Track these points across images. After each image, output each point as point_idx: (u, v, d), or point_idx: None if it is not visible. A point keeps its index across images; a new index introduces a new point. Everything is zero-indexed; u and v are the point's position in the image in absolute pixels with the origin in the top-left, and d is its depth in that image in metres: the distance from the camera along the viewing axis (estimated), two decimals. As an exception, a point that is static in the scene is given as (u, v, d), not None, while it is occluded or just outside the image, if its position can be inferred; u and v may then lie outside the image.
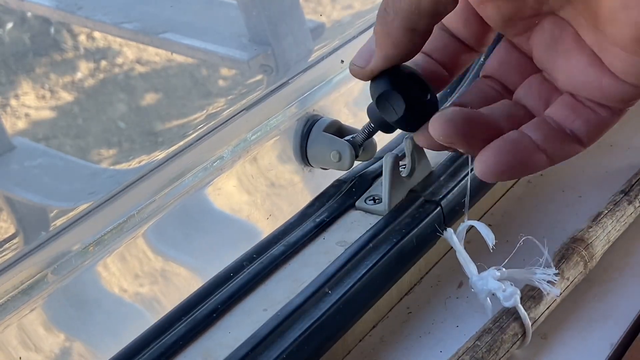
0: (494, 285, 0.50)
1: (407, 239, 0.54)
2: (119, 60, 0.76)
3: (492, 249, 0.50)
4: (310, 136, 0.60)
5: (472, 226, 0.51)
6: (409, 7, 0.37)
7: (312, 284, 0.50)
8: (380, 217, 0.56)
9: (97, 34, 0.75)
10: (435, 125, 0.41)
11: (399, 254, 0.53)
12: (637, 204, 0.60)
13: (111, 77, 0.75)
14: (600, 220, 0.58)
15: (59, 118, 0.71)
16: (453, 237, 0.52)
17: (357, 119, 0.66)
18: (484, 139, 0.40)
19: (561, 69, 0.40)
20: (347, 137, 0.58)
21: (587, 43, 0.38)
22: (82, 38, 0.74)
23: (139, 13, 0.73)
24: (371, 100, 0.44)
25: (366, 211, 0.57)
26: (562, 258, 0.54)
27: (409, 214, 0.56)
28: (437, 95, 0.43)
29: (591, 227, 0.57)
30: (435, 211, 0.57)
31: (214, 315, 0.49)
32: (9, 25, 0.69)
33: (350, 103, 0.67)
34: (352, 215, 0.57)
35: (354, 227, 0.56)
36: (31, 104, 0.70)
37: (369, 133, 0.56)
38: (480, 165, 0.39)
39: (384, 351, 0.53)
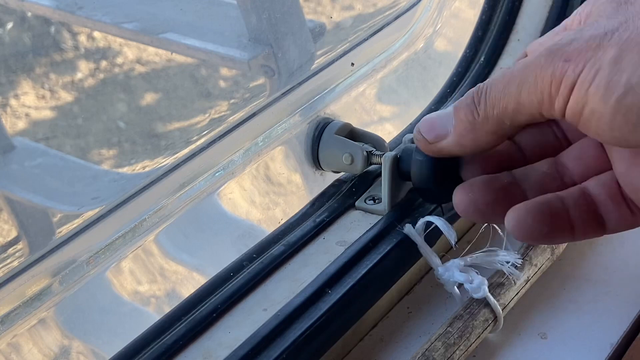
0: (460, 277, 0.51)
1: (407, 239, 0.54)
2: (119, 60, 0.76)
3: (455, 247, 0.51)
4: (321, 139, 0.60)
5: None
6: (502, 118, 0.36)
7: (312, 284, 0.50)
8: (380, 217, 0.56)
9: (97, 34, 0.75)
10: (459, 207, 0.40)
11: (399, 254, 0.53)
12: None
13: (111, 77, 0.75)
14: None
15: (59, 118, 0.71)
16: (412, 231, 0.53)
17: (368, 122, 0.66)
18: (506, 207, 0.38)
19: (618, 167, 0.38)
20: (366, 148, 0.58)
21: None
22: (82, 38, 0.74)
23: (139, 13, 0.73)
24: None
25: (366, 211, 0.57)
26: (529, 245, 0.55)
27: (409, 214, 0.56)
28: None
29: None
30: (435, 211, 0.57)
31: (214, 315, 0.49)
32: (9, 25, 0.69)
33: (361, 106, 0.67)
34: (352, 215, 0.57)
35: (354, 227, 0.56)
36: (31, 104, 0.70)
37: None
38: (512, 223, 0.37)
39: (384, 351, 0.53)
